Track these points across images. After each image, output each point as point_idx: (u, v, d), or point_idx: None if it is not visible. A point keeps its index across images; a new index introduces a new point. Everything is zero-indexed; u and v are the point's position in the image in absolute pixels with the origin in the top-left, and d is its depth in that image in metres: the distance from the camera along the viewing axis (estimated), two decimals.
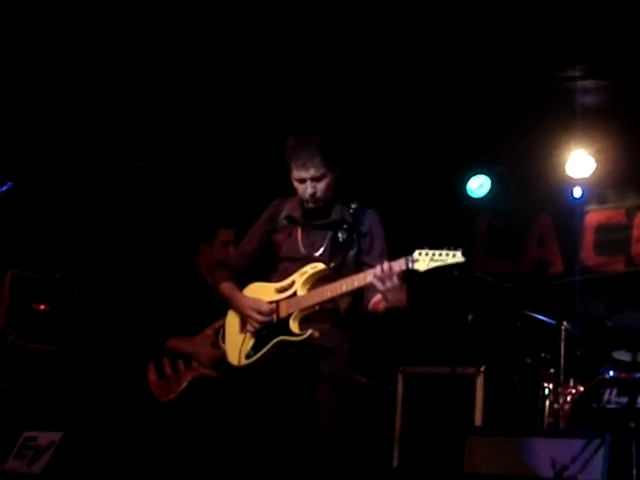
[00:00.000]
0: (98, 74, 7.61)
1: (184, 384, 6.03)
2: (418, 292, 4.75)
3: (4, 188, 5.85)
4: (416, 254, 4.41)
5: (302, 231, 4.90)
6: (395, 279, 4.43)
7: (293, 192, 4.93)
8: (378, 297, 4.64)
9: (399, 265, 4.44)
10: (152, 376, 6.11)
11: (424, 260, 4.38)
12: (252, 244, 5.04)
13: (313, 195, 4.80)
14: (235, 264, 5.06)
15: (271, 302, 4.77)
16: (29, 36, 7.16)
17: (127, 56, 7.47)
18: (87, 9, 6.92)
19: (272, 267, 4.93)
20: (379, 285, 4.46)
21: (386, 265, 4.45)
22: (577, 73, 7.65)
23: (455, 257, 4.38)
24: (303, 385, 4.68)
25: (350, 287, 4.59)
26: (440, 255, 4.37)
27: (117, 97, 7.86)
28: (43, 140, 7.84)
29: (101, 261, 8.11)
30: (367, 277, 4.53)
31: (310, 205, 4.85)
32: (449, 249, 4.38)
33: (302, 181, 4.80)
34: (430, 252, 4.38)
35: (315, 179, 4.77)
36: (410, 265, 4.41)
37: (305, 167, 4.75)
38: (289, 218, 4.95)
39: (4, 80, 7.44)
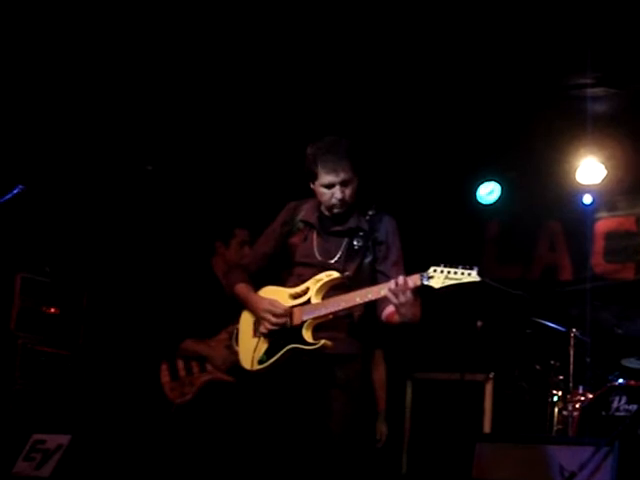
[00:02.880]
0: (109, 78, 7.63)
1: (198, 387, 6.03)
2: (427, 299, 4.74)
3: (15, 191, 5.86)
4: (431, 271, 4.38)
5: (318, 236, 4.88)
6: (409, 294, 4.42)
7: (308, 194, 4.93)
8: (392, 309, 4.61)
9: (413, 281, 4.42)
10: (165, 378, 6.12)
11: (439, 277, 4.35)
12: (268, 246, 5.02)
13: (342, 200, 4.78)
14: (250, 265, 5.04)
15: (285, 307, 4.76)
16: (39, 40, 7.19)
17: (138, 60, 7.50)
18: (100, 14, 6.94)
19: (287, 271, 4.92)
20: (393, 299, 4.45)
21: (401, 279, 4.43)
22: (587, 80, 7.66)
23: (470, 276, 4.34)
24: (317, 391, 4.68)
25: (364, 299, 4.59)
26: (455, 273, 4.34)
27: (126, 100, 7.88)
28: (54, 144, 7.85)
29: (111, 264, 8.12)
30: (381, 290, 4.52)
31: (336, 210, 4.82)
32: (464, 267, 4.35)
33: (331, 186, 4.77)
34: (445, 269, 4.36)
35: (344, 183, 4.76)
36: (425, 281, 4.39)
37: (335, 171, 4.73)
38: (305, 222, 4.94)
39: (15, 85, 7.46)
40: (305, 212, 4.97)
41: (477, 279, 4.36)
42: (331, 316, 4.69)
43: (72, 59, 7.40)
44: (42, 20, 6.98)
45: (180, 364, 6.13)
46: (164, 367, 6.14)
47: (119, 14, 6.97)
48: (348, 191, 4.78)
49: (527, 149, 8.41)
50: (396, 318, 4.61)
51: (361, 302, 4.61)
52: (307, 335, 4.68)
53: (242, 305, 4.98)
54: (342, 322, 4.75)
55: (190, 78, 7.75)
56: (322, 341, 4.63)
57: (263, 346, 4.79)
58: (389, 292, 4.45)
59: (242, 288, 4.94)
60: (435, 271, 4.37)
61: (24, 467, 6.09)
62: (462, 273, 4.35)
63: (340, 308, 4.65)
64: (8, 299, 7.35)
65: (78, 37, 7.19)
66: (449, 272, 4.36)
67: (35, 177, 6.93)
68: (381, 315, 4.76)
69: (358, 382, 4.78)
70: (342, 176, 4.74)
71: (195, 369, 6.11)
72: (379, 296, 4.54)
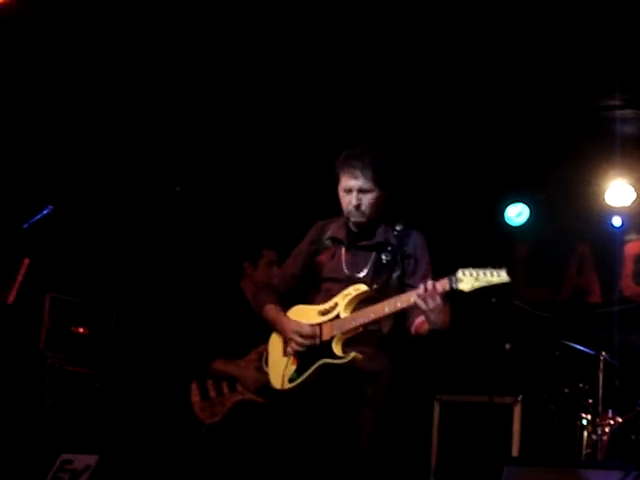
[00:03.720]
0: (139, 101, 7.68)
1: (228, 407, 6.03)
2: (456, 320, 4.71)
3: (44, 212, 5.91)
4: (460, 274, 4.34)
5: (346, 251, 4.86)
6: (438, 299, 4.37)
7: (336, 213, 4.92)
8: (421, 319, 4.58)
9: (442, 285, 4.38)
10: (196, 398, 6.11)
11: (468, 280, 4.31)
12: (296, 266, 5.01)
13: (357, 207, 4.75)
14: (279, 287, 5.03)
15: (314, 325, 4.73)
16: (69, 60, 7.25)
17: (167, 82, 7.54)
18: (131, 34, 6.99)
19: (315, 288, 4.90)
20: (422, 305, 4.40)
21: (430, 284, 4.39)
22: (616, 102, 7.64)
23: (500, 277, 4.30)
24: (346, 409, 4.64)
25: (393, 308, 4.54)
26: (484, 275, 4.30)
27: (155, 121, 7.92)
28: (83, 165, 7.90)
29: (140, 284, 8.15)
30: (410, 298, 4.48)
31: (353, 219, 4.79)
32: (493, 268, 4.31)
33: (349, 191, 4.76)
34: (474, 272, 4.31)
35: (362, 191, 4.73)
36: (454, 285, 4.35)
37: (354, 176, 4.72)
38: (333, 239, 4.91)
39: (45, 108, 7.52)
40: (333, 230, 4.95)
41: (507, 279, 4.31)
42: (361, 329, 4.65)
43: (101, 80, 7.45)
44: (73, 41, 7.04)
45: (210, 384, 6.13)
46: (194, 387, 6.14)
47: (149, 34, 7.02)
48: (366, 200, 4.75)
49: (556, 171, 8.39)
50: (425, 327, 4.57)
51: (390, 312, 4.57)
52: (337, 349, 4.64)
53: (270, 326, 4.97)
54: (372, 336, 4.71)
55: (218, 100, 7.78)
56: (352, 354, 4.59)
57: (293, 365, 4.77)
58: (418, 298, 4.41)
59: (271, 310, 4.93)
60: (464, 274, 4.33)
61: None
62: (491, 274, 4.31)
63: (370, 320, 4.60)
64: (37, 319, 7.39)
65: (108, 58, 7.24)
66: (478, 274, 4.31)
67: (64, 198, 6.97)
68: (411, 327, 4.71)
69: (386, 400, 4.74)
70: (361, 182, 4.72)
71: (225, 389, 6.10)
72: (409, 304, 4.49)
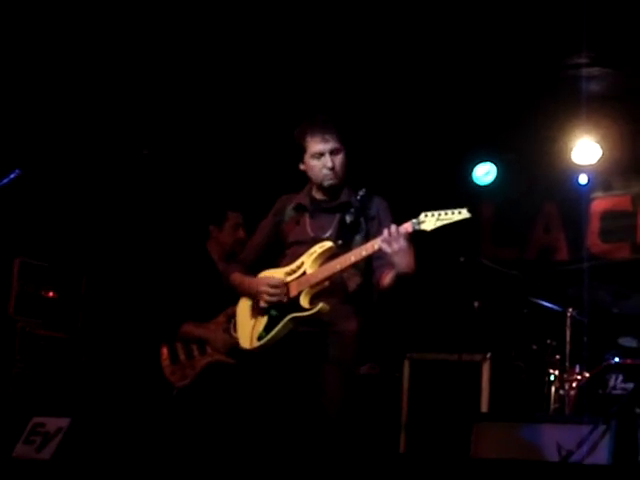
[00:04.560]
0: (105, 62, 7.63)
1: (199, 369, 6.05)
2: (425, 278, 4.75)
3: (12, 176, 5.87)
4: (422, 216, 4.45)
5: (310, 217, 4.92)
6: (402, 241, 4.45)
7: (299, 186, 5.00)
8: (387, 270, 4.65)
9: (405, 227, 4.48)
10: (166, 361, 6.12)
11: (430, 220, 4.43)
12: (261, 236, 5.07)
13: (332, 169, 4.83)
14: (246, 259, 5.09)
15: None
16: (34, 27, 7.18)
17: (133, 44, 7.49)
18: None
19: (281, 254, 4.95)
20: (387, 248, 4.47)
21: (393, 228, 4.48)
22: (583, 60, 7.65)
23: (461, 214, 4.41)
24: (311, 369, 4.69)
25: (359, 257, 4.60)
26: (446, 214, 4.41)
27: (123, 85, 7.88)
28: (52, 128, 7.86)
29: (109, 248, 8.14)
30: (375, 244, 4.55)
31: (328, 182, 4.85)
32: (454, 208, 4.41)
33: (321, 155, 4.83)
34: (436, 213, 4.43)
35: (333, 152, 4.82)
36: (416, 227, 4.45)
37: (324, 140, 4.81)
38: (297, 207, 4.97)
39: (11, 69, 7.46)
40: (297, 200, 5.01)
41: (468, 216, 4.41)
42: (327, 283, 4.70)
43: (68, 44, 7.39)
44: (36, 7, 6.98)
45: (180, 347, 6.13)
46: (164, 351, 6.14)
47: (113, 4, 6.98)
48: (338, 161, 4.84)
49: (523, 130, 8.41)
50: (391, 275, 4.62)
51: (356, 260, 4.62)
52: (305, 302, 4.69)
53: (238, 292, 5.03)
54: (337, 291, 4.76)
55: (184, 63, 7.74)
56: (320, 304, 4.63)
57: (261, 323, 4.80)
58: (383, 243, 4.49)
59: (237, 276, 5.00)
60: (426, 216, 4.45)
61: (24, 450, 6.11)
62: (452, 213, 4.42)
63: (336, 271, 4.66)
64: (6, 283, 7.38)
65: (73, 24, 7.18)
66: (440, 214, 4.42)
67: (32, 161, 6.94)
68: (378, 282, 4.76)
69: (351, 356, 4.79)
70: (331, 144, 4.81)
71: (195, 352, 6.10)
72: (374, 250, 4.55)
